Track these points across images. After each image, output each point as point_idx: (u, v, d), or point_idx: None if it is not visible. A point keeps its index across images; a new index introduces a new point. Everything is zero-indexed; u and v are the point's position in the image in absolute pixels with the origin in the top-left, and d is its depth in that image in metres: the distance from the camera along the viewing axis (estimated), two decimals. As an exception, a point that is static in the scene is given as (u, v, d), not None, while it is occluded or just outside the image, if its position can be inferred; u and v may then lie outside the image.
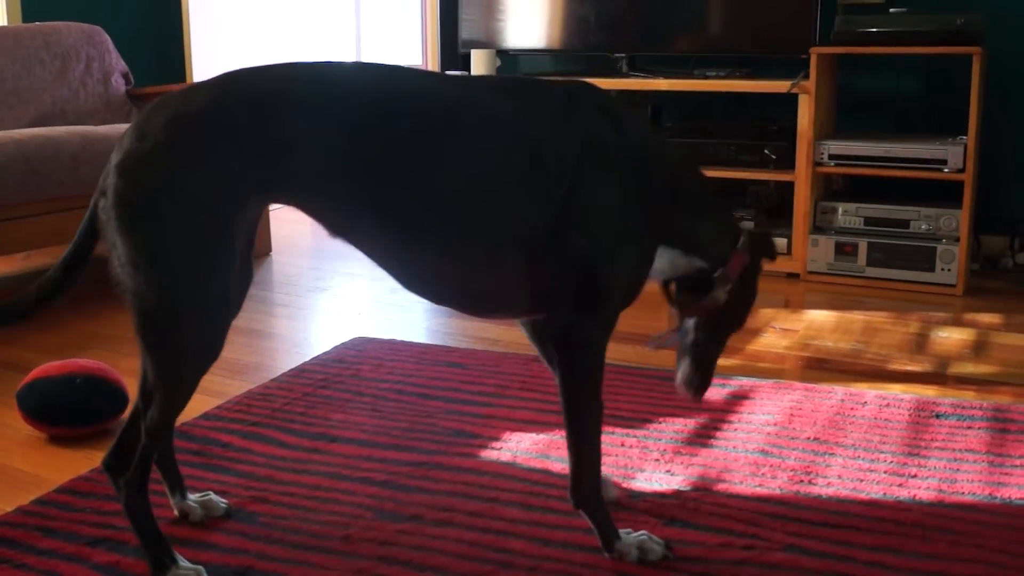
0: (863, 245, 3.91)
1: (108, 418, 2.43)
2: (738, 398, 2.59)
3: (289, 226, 5.35)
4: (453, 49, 5.07)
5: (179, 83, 5.06)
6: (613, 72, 4.53)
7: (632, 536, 1.80)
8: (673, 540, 1.83)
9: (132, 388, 2.52)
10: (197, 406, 2.55)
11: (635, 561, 1.77)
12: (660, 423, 2.41)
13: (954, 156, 3.76)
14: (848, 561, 1.77)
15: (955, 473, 2.13)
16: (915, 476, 2.11)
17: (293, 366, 2.88)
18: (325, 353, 2.99)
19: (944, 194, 3.96)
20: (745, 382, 2.71)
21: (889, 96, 4.40)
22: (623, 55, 4.56)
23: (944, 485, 2.07)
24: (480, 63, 4.74)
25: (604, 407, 1.80)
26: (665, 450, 2.26)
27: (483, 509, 1.98)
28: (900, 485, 2.07)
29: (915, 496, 2.02)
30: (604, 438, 2.28)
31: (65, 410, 2.37)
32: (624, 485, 2.08)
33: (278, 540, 1.87)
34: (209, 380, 2.76)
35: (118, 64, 4.70)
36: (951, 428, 2.38)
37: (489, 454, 2.23)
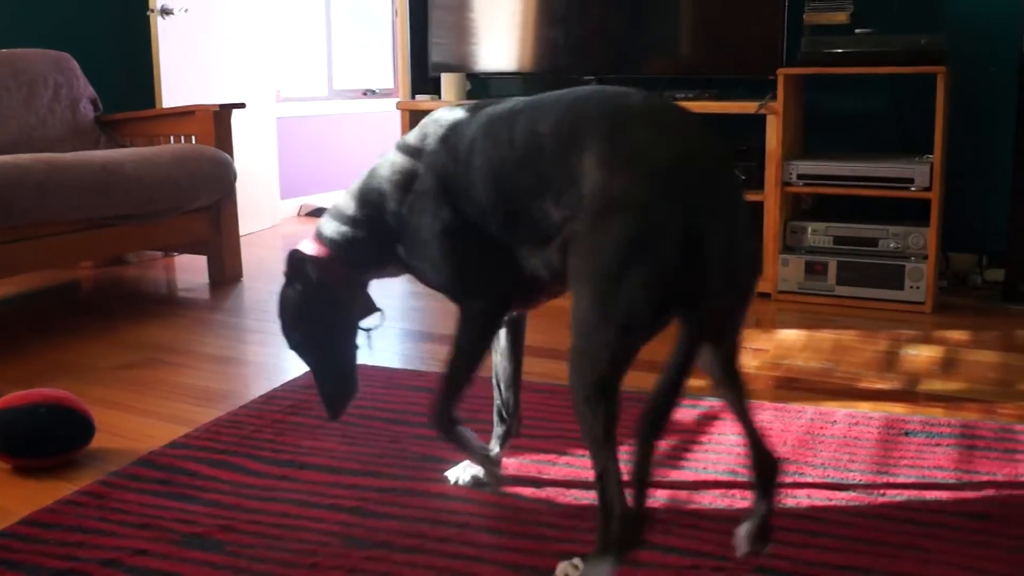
0: (833, 264, 3.93)
1: (74, 448, 2.40)
2: (709, 419, 2.59)
3: (261, 251, 5.34)
4: (424, 73, 5.08)
5: (148, 108, 5.05)
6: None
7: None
8: (643, 563, 1.82)
9: (99, 416, 2.51)
10: (164, 434, 2.54)
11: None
12: (630, 445, 2.40)
13: (921, 175, 3.79)
14: (817, 581, 1.77)
15: (924, 491, 2.13)
16: (884, 494, 2.12)
17: (263, 392, 2.86)
18: (295, 379, 2.98)
19: (912, 212, 3.99)
20: (716, 403, 2.71)
21: (856, 116, 4.44)
22: (593, 78, 4.58)
23: (914, 503, 2.08)
24: (450, 87, 4.75)
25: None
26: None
27: (452, 534, 1.97)
28: (870, 503, 2.08)
29: (885, 514, 2.03)
30: (574, 460, 2.29)
31: (28, 440, 2.34)
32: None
33: (244, 569, 1.85)
34: (177, 408, 2.77)
35: (86, 90, 4.69)
36: (920, 446, 2.38)
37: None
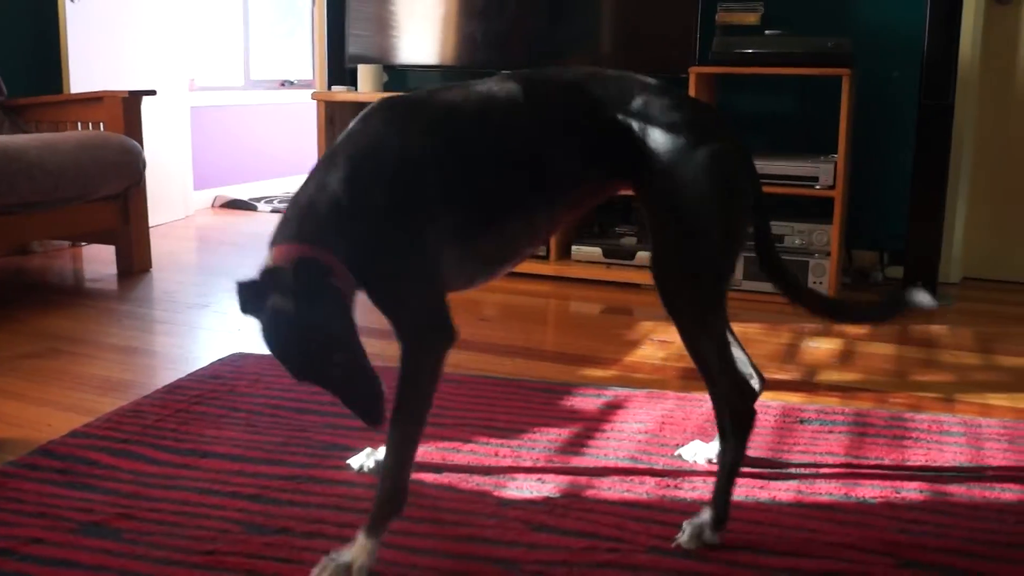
0: (741, 259, 4.00)
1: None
2: (612, 408, 2.64)
3: (172, 242, 5.29)
4: (341, 64, 5.06)
5: (55, 93, 4.96)
6: (496, 89, 4.56)
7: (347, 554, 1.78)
8: (540, 545, 1.86)
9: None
10: (64, 424, 2.52)
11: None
12: (535, 433, 2.44)
13: (825, 173, 3.88)
14: (706, 560, 1.82)
15: (814, 475, 2.20)
16: (776, 478, 2.18)
17: (168, 382, 2.84)
18: (201, 369, 2.96)
19: (817, 210, 4.09)
20: (620, 392, 2.76)
21: (765, 115, 4.53)
22: (509, 73, 4.60)
23: (803, 486, 2.14)
24: (367, 78, 4.74)
25: None
26: (538, 459, 2.29)
27: (354, 520, 1.98)
28: (761, 487, 2.14)
29: (775, 497, 2.09)
30: (479, 448, 2.32)
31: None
32: (496, 494, 2.11)
33: (142, 556, 1.85)
34: (79, 398, 2.75)
35: (-10, 75, 4.61)
36: (813, 433, 2.45)
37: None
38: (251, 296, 1.70)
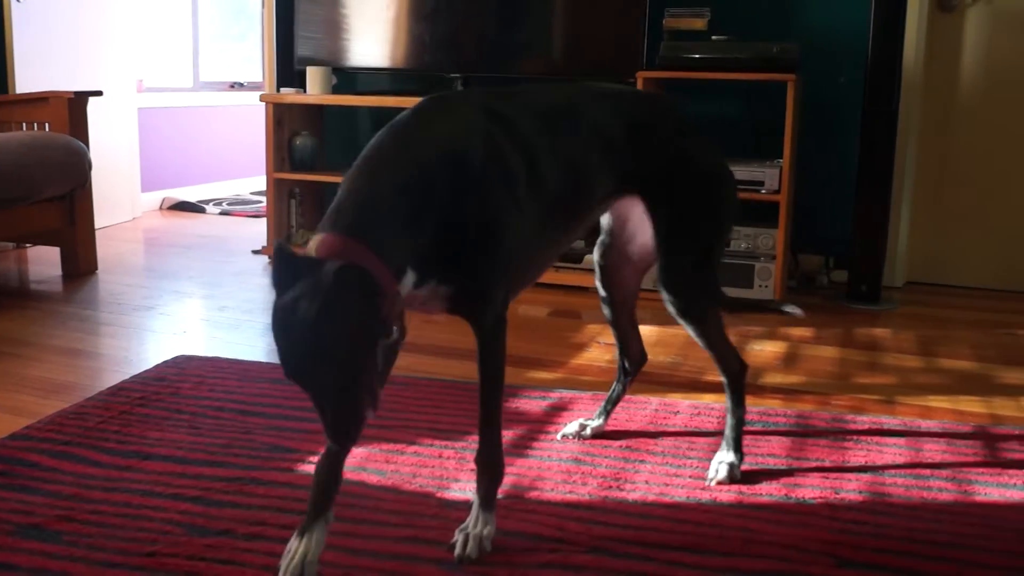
0: (686, 262, 4.03)
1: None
2: (557, 409, 2.65)
3: (119, 244, 5.25)
4: (290, 66, 5.05)
5: (1, 93, 4.91)
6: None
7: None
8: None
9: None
10: (5, 427, 2.49)
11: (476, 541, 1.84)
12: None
13: (771, 178, 3.92)
14: (648, 561, 1.84)
15: (755, 476, 2.23)
16: (715, 479, 2.20)
17: (111, 384, 2.82)
18: (146, 371, 2.94)
19: (763, 214, 4.12)
20: (566, 394, 2.78)
21: (712, 120, 4.56)
22: (458, 75, 4.62)
23: (744, 488, 2.16)
24: (315, 81, 4.73)
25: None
26: (481, 461, 2.29)
27: (296, 522, 1.96)
28: (703, 489, 2.16)
29: (716, 498, 2.11)
30: (423, 451, 2.33)
31: None
32: (439, 495, 2.11)
33: (81, 558, 1.83)
34: (22, 400, 2.72)
35: (-66, 76, 4.55)
36: (756, 434, 2.48)
37: (306, 468, 2.23)
38: (285, 273, 1.57)
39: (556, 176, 1.92)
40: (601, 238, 2.35)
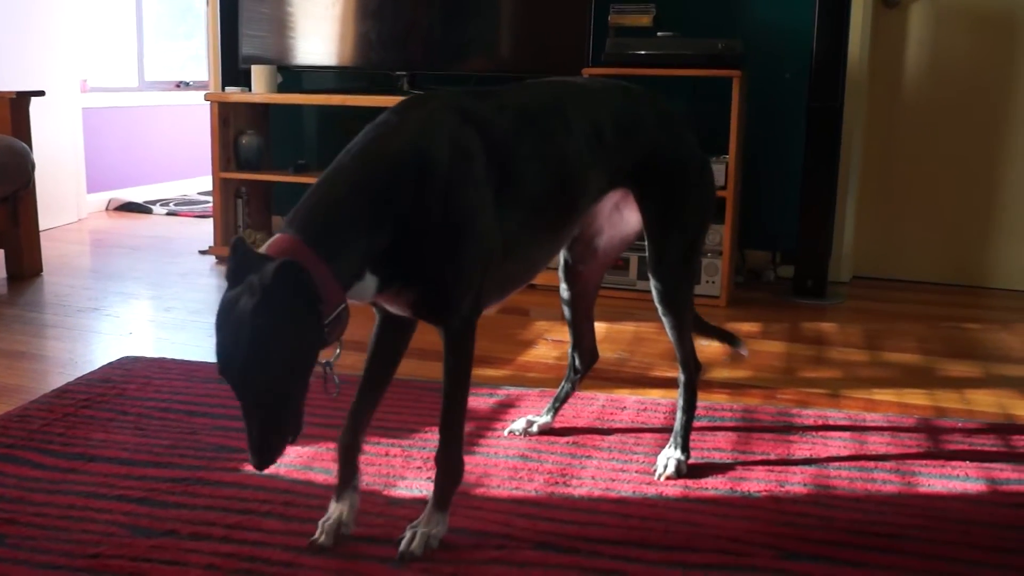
0: (634, 259, 4.06)
1: None
2: (504, 407, 2.66)
3: (64, 245, 5.19)
4: (235, 65, 5.01)
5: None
6: (394, 90, 4.57)
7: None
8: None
9: None
10: (-54, 429, 2.46)
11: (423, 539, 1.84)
12: (425, 432, 2.45)
13: (717, 174, 3.95)
14: (594, 556, 1.85)
15: (701, 471, 2.24)
16: (663, 474, 2.22)
17: (56, 387, 2.79)
18: (91, 373, 2.91)
19: (709, 210, 4.15)
20: (513, 391, 2.79)
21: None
22: (404, 73, 4.61)
23: (690, 482, 2.18)
24: (260, 79, 4.70)
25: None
26: (428, 458, 2.28)
27: (242, 521, 1.97)
28: (649, 484, 2.17)
29: (662, 493, 2.13)
30: (370, 449, 2.32)
31: None
32: (386, 493, 2.11)
33: (24, 561, 1.81)
34: (-40, 403, 2.68)
35: None
36: (702, 429, 2.50)
37: (252, 468, 2.22)
38: (238, 268, 1.57)
39: (541, 175, 1.91)
40: None
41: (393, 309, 1.85)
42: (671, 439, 2.29)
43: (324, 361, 1.69)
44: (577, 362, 2.51)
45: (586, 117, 2.04)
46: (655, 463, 2.26)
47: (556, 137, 1.97)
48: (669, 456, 2.25)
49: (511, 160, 1.86)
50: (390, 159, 1.72)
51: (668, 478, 2.20)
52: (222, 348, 1.57)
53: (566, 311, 2.44)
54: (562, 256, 2.38)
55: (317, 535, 1.88)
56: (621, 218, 2.27)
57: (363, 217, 1.66)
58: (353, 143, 1.76)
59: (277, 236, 1.63)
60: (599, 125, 2.05)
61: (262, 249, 1.61)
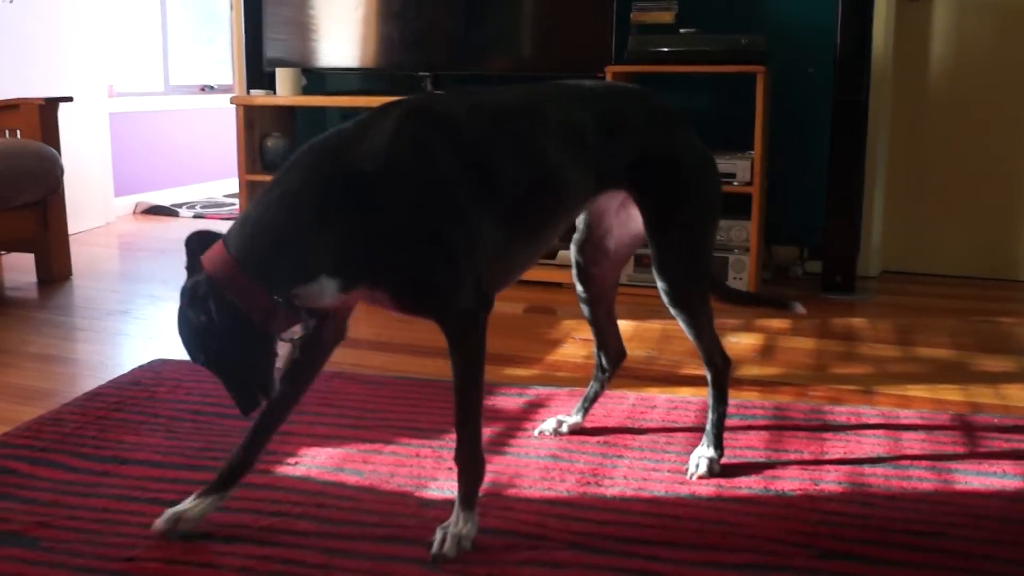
0: (662, 257, 4.04)
1: None
2: (534, 406, 2.65)
3: (93, 249, 5.22)
4: (259, 68, 5.03)
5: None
6: (418, 91, 4.57)
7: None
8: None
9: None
10: (-20, 433, 2.48)
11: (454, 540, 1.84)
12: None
13: (742, 170, 3.93)
14: (628, 556, 1.84)
15: (734, 469, 2.23)
16: (695, 474, 2.21)
17: (88, 390, 2.80)
18: (122, 376, 2.93)
19: (735, 206, 4.13)
20: (542, 391, 2.78)
21: (682, 113, 4.56)
22: (428, 74, 4.61)
23: (723, 481, 2.17)
24: (285, 82, 4.72)
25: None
26: (460, 459, 2.29)
27: (274, 523, 1.98)
28: (681, 483, 2.16)
29: (694, 492, 2.11)
30: (401, 450, 2.32)
31: None
32: (417, 494, 2.11)
33: (60, 564, 1.82)
34: (-5, 407, 2.70)
35: (-98, 83, 4.51)
36: (734, 428, 2.48)
37: (284, 470, 2.23)
38: (189, 265, 1.77)
39: (518, 177, 1.90)
40: (577, 235, 2.35)
41: (380, 306, 1.86)
42: (704, 437, 2.28)
43: (292, 338, 1.87)
44: (604, 361, 2.49)
45: (567, 118, 2.01)
46: (687, 462, 2.25)
47: (533, 138, 1.94)
48: (701, 455, 2.24)
49: (484, 161, 1.85)
50: (333, 168, 1.74)
51: (700, 477, 2.19)
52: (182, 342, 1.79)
53: (585, 311, 2.43)
54: (573, 259, 2.37)
55: (159, 520, 1.93)
56: (629, 217, 2.26)
57: (299, 228, 1.71)
58: (310, 145, 1.79)
59: (214, 245, 1.74)
60: (582, 126, 2.02)
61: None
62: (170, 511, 1.94)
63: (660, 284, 2.16)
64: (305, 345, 1.95)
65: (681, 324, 2.22)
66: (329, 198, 1.71)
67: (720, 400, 2.29)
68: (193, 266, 1.76)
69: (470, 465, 1.89)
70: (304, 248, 1.71)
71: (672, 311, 2.20)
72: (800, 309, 2.48)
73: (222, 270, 1.70)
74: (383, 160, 1.74)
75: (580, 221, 2.32)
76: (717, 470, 2.21)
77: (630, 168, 2.09)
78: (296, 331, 1.86)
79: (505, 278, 1.99)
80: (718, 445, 2.26)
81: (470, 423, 1.89)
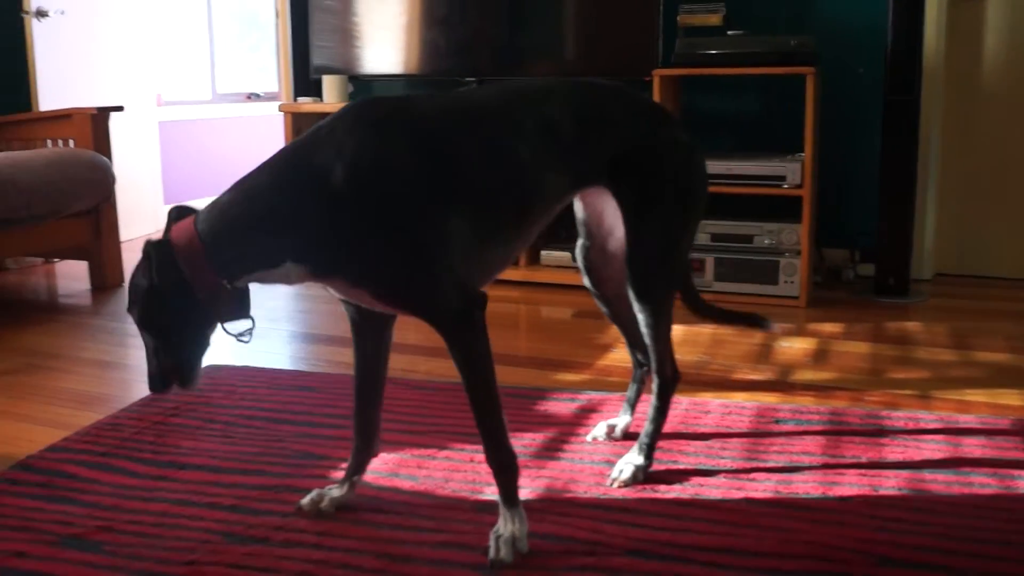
0: (710, 261, 4.03)
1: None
2: (587, 411, 2.65)
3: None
4: (306, 75, 5.06)
5: (25, 112, 4.93)
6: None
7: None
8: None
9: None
10: (43, 438, 2.51)
11: (508, 544, 1.84)
12: (511, 438, 2.43)
13: (792, 172, 3.91)
14: (685, 562, 1.83)
15: (791, 475, 2.21)
16: (753, 479, 2.19)
17: (143, 395, 2.83)
18: (176, 382, 2.95)
19: (786, 209, 4.11)
20: (595, 396, 2.77)
21: (730, 115, 4.56)
22: (473, 80, 4.62)
23: (780, 486, 2.15)
24: (331, 89, 4.75)
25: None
26: (514, 464, 2.29)
27: (332, 528, 1.99)
28: (738, 488, 2.15)
29: (752, 498, 2.10)
30: (455, 455, 2.33)
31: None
32: (473, 499, 2.11)
33: (122, 568, 1.84)
34: (57, 413, 2.74)
35: (-42, 94, 4.58)
36: (789, 433, 2.47)
37: (339, 475, 2.23)
38: (166, 229, 1.85)
39: (485, 175, 1.89)
40: (580, 240, 2.33)
41: (362, 303, 1.90)
42: (635, 445, 2.26)
43: (237, 333, 1.90)
44: (639, 357, 2.49)
45: (539, 117, 1.99)
46: (744, 467, 2.23)
47: (501, 136, 1.93)
48: (628, 461, 2.22)
49: (450, 160, 1.85)
50: (301, 164, 1.79)
51: (622, 485, 2.17)
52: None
53: (606, 311, 2.43)
54: (580, 264, 2.36)
55: (304, 500, 2.08)
56: None
57: (262, 218, 1.78)
58: (289, 143, 1.86)
59: (188, 218, 1.83)
60: (555, 124, 2.00)
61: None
62: (315, 491, 2.08)
63: (628, 276, 2.13)
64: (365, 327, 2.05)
65: (640, 323, 2.18)
66: (295, 193, 1.76)
67: (660, 411, 2.27)
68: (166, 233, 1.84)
69: (499, 462, 1.89)
70: (267, 237, 1.77)
71: (635, 306, 2.16)
72: (775, 327, 2.54)
73: (183, 240, 1.78)
74: (348, 159, 1.76)
75: (580, 226, 2.32)
76: (641, 479, 2.19)
77: (609, 164, 2.07)
78: (245, 327, 1.91)
79: (480, 277, 1.97)
80: (648, 455, 2.23)
81: (488, 422, 1.88)
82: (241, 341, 1.92)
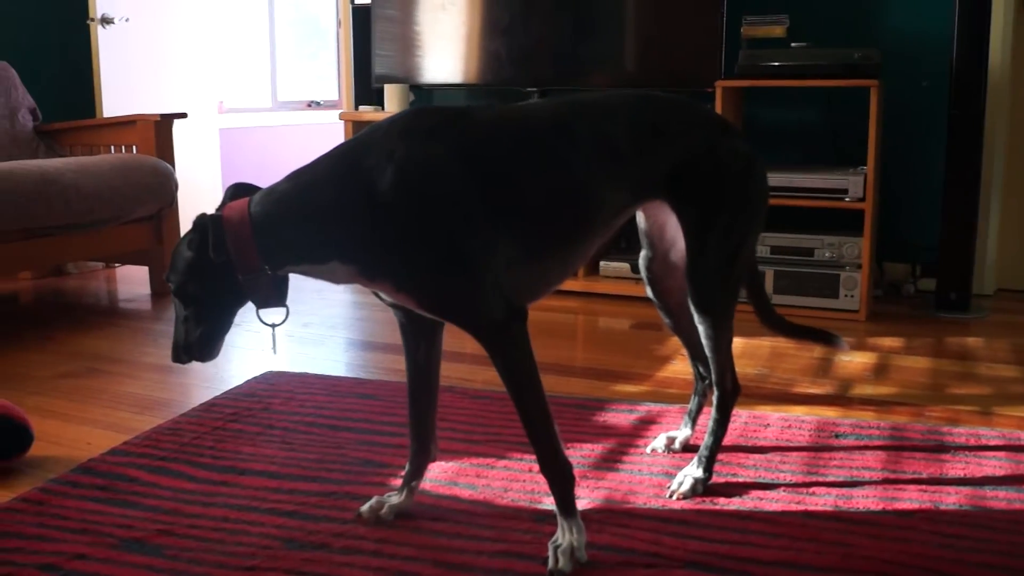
0: (770, 273, 4.00)
1: (11, 456, 2.40)
2: (646, 423, 2.64)
3: (203, 262, 5.31)
4: (367, 84, 5.10)
5: (89, 118, 5.01)
6: (524, 106, 4.58)
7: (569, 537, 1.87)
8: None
9: (38, 425, 2.51)
10: (104, 442, 2.54)
11: (566, 554, 1.83)
12: (568, 448, 2.42)
13: (855, 186, 3.87)
14: (745, 576, 1.82)
15: (851, 489, 2.19)
16: (813, 493, 2.17)
17: (204, 401, 2.86)
18: (236, 387, 2.99)
19: (847, 223, 4.07)
20: (653, 407, 2.76)
21: (793, 128, 4.52)
22: (535, 89, 4.63)
23: (840, 501, 2.13)
24: (393, 98, 4.77)
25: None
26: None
27: (391, 536, 1.99)
28: (798, 502, 2.13)
29: (811, 512, 2.08)
30: (514, 465, 2.33)
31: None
32: (532, 509, 2.11)
33: (183, 572, 1.86)
34: (117, 416, 2.78)
35: (25, 100, 4.66)
36: (849, 447, 2.44)
37: (398, 483, 2.24)
38: (222, 203, 1.91)
39: (539, 189, 1.89)
40: (643, 252, 2.34)
41: (408, 306, 1.90)
42: (695, 458, 2.25)
43: (271, 323, 1.97)
44: (700, 369, 2.48)
45: (597, 131, 1.98)
46: (804, 481, 2.22)
47: (556, 150, 1.93)
48: (688, 474, 2.21)
49: (502, 173, 1.85)
50: (354, 168, 1.80)
51: (681, 496, 2.16)
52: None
53: (669, 324, 2.42)
54: (644, 276, 2.37)
55: (363, 507, 2.09)
56: None
57: (310, 211, 1.82)
58: (345, 141, 1.89)
59: (243, 199, 1.88)
60: (612, 138, 1.99)
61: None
62: (374, 499, 2.10)
63: (689, 289, 2.13)
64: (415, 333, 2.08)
65: (701, 335, 2.18)
66: (344, 193, 1.79)
67: (720, 424, 2.25)
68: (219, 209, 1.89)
69: (553, 473, 1.88)
70: (314, 232, 1.81)
71: (696, 318, 2.15)
72: (845, 346, 2.49)
73: (235, 219, 1.82)
74: (396, 164, 1.77)
75: (642, 237, 2.32)
76: (700, 491, 2.18)
77: (668, 177, 2.06)
78: (277, 318, 1.96)
79: (536, 290, 1.99)
80: (708, 468, 2.22)
81: (538, 432, 1.89)
82: (267, 326, 1.98)
